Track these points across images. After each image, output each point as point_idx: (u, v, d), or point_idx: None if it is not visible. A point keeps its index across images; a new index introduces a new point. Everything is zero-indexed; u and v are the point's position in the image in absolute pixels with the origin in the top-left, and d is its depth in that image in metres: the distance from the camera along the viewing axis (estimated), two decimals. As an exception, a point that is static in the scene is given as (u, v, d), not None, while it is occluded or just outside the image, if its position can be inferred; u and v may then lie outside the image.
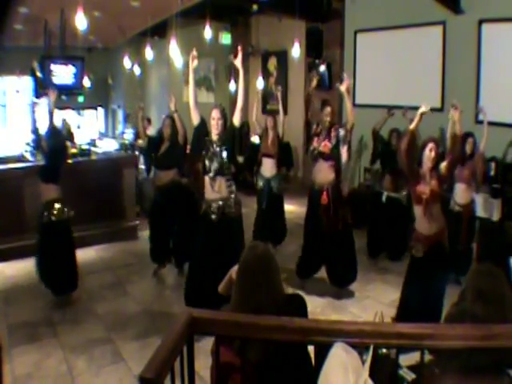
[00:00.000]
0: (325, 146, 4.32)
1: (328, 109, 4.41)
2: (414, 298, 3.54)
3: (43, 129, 4.37)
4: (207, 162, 3.71)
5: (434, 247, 3.45)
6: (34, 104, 4.99)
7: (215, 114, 3.73)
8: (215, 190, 3.74)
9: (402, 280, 4.83)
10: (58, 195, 4.29)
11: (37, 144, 4.40)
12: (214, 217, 3.75)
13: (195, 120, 3.78)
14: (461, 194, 4.66)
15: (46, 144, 4.28)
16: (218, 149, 3.71)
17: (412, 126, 3.42)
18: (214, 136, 3.74)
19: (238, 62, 3.72)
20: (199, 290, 3.76)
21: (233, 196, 3.82)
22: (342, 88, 4.24)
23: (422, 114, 3.33)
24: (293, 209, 7.07)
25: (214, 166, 3.70)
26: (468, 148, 4.64)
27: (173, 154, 4.93)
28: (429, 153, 3.40)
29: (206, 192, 3.80)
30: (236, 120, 3.74)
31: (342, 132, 4.32)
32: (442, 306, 3.53)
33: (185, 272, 4.85)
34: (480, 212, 5.47)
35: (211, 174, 3.71)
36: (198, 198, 4.33)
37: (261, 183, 5.55)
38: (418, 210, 3.45)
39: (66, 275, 4.30)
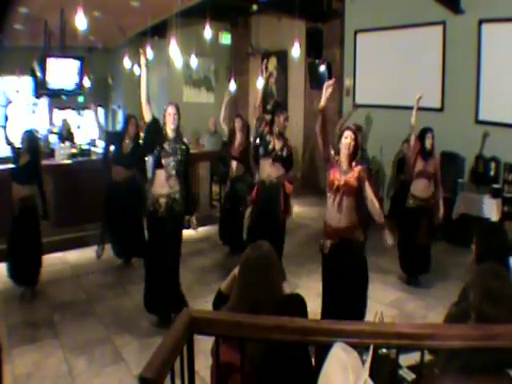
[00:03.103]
0: (287, 154, 4.56)
1: (284, 115, 4.59)
2: (331, 297, 3.48)
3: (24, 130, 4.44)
4: (163, 159, 3.76)
5: (343, 244, 3.34)
6: (6, 104, 4.91)
7: (171, 109, 3.81)
8: (167, 184, 3.78)
9: (401, 280, 4.88)
10: (30, 192, 4.40)
11: (15, 153, 4.43)
12: (162, 211, 3.79)
13: (147, 117, 3.83)
14: (422, 188, 4.65)
15: (25, 145, 4.36)
16: (175, 146, 3.79)
17: (321, 104, 3.34)
18: (170, 131, 3.81)
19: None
20: (156, 288, 3.88)
21: (179, 192, 3.88)
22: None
23: (327, 89, 3.32)
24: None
25: (172, 162, 3.76)
26: (428, 143, 4.63)
27: (136, 154, 5.04)
28: (344, 140, 3.33)
29: (154, 186, 3.84)
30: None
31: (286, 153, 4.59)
32: (364, 307, 3.49)
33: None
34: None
35: (170, 171, 3.75)
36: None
37: (228, 185, 5.56)
38: (329, 199, 3.36)
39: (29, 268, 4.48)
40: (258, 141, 4.74)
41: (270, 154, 4.53)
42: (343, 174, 3.32)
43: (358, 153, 3.40)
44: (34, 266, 4.50)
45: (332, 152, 3.42)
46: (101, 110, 12.53)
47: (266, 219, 4.56)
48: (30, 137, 4.47)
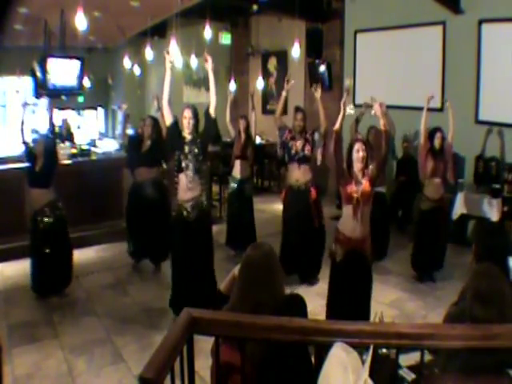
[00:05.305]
0: (308, 150, 4.61)
1: (300, 115, 4.67)
2: (339, 302, 3.53)
3: (35, 131, 4.39)
4: (183, 161, 3.76)
5: (355, 253, 3.38)
6: (25, 105, 4.79)
7: (187, 113, 3.79)
8: (191, 188, 3.78)
9: (401, 280, 4.88)
10: (52, 197, 4.33)
11: (28, 152, 4.37)
12: (189, 216, 3.79)
13: (168, 120, 3.82)
14: (434, 188, 4.64)
15: (41, 148, 4.29)
16: (192, 147, 3.77)
17: (336, 127, 3.49)
18: (187, 135, 3.80)
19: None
20: (184, 291, 3.87)
21: (204, 193, 3.92)
22: (317, 95, 4.61)
23: (344, 114, 3.53)
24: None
25: (192, 164, 3.75)
26: (437, 143, 4.64)
27: (156, 152, 5.03)
28: (356, 154, 3.34)
29: (179, 192, 3.83)
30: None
31: (317, 136, 4.63)
32: (369, 311, 3.54)
33: (161, 268, 5.08)
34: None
35: (190, 173, 3.75)
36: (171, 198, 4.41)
37: (233, 185, 5.52)
38: (347, 210, 3.38)
39: (62, 275, 4.45)
40: (279, 150, 4.86)
41: (294, 159, 4.60)
42: (359, 184, 3.35)
43: (369, 161, 3.42)
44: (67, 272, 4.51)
45: (344, 166, 3.44)
46: (101, 110, 12.55)
47: (299, 225, 4.62)
48: (46, 141, 4.39)
